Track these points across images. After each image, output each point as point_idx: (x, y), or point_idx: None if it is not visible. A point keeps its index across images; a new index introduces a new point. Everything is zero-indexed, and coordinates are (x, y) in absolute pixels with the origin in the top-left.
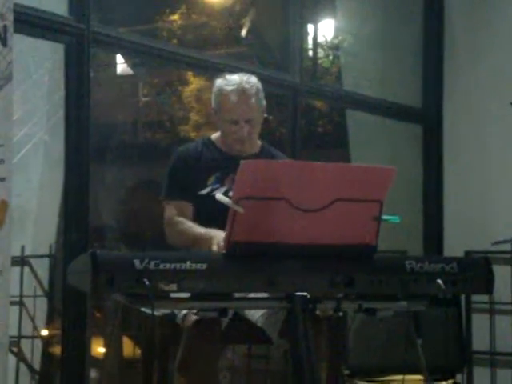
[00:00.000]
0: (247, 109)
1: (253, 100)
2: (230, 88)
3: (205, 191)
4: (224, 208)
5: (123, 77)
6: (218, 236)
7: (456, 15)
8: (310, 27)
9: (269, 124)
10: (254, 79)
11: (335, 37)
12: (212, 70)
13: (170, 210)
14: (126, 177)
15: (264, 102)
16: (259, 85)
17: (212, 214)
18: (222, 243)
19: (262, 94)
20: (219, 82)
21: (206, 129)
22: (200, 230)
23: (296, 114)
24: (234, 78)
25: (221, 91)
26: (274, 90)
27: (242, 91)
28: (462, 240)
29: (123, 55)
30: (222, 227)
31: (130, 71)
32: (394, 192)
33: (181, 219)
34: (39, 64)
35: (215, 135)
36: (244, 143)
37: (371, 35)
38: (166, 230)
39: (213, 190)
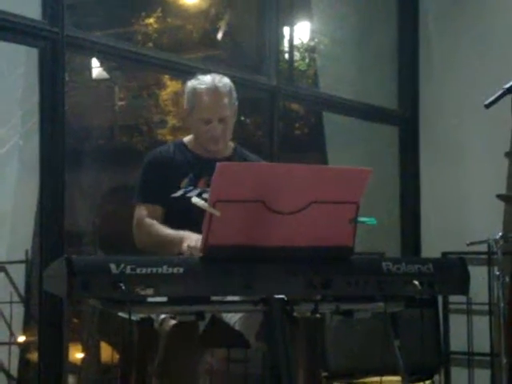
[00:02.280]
0: (220, 107)
1: (225, 99)
2: (203, 87)
3: (178, 194)
4: (198, 210)
5: (99, 81)
6: (189, 237)
7: (431, 17)
8: (286, 30)
9: (246, 127)
10: (226, 79)
11: (311, 39)
12: (188, 74)
13: (140, 212)
14: (102, 181)
15: (236, 103)
16: (232, 85)
17: (185, 217)
18: (192, 244)
19: (234, 94)
20: (192, 82)
21: (183, 132)
22: (170, 231)
23: (273, 117)
24: (207, 78)
25: (194, 91)
26: (250, 92)
27: (214, 90)
28: (438, 241)
29: (98, 59)
30: (195, 230)
31: (105, 75)
32: (371, 194)
33: (150, 221)
34: (13, 68)
35: (188, 138)
36: (218, 142)
37: (347, 38)
38: (134, 232)
39: (186, 193)
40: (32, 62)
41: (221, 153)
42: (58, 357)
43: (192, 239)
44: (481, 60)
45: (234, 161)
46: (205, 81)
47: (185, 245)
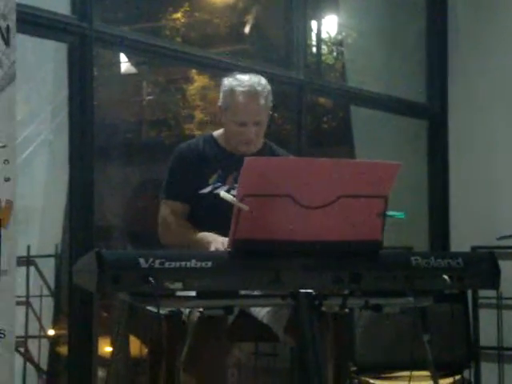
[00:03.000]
0: (257, 111)
1: (262, 102)
2: (241, 89)
3: (206, 190)
4: (225, 207)
5: (127, 75)
6: (215, 240)
7: (460, 9)
8: (314, 23)
9: (274, 121)
10: (264, 81)
11: (339, 33)
12: (216, 68)
13: (165, 210)
14: (131, 175)
15: (271, 105)
16: (269, 86)
17: (212, 214)
18: (219, 246)
19: (271, 97)
20: (230, 81)
21: (211, 127)
22: (196, 234)
23: (301, 111)
24: (246, 80)
25: (232, 91)
26: (278, 87)
27: (253, 93)
28: (468, 235)
29: (126, 54)
30: (222, 226)
31: (133, 70)
32: (399, 188)
33: (176, 220)
34: (42, 64)
35: (218, 132)
36: (250, 145)
37: (375, 31)
38: (159, 230)
39: (214, 189)
40: (61, 57)
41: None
42: (88, 350)
43: (218, 242)
44: (510, 52)
45: (264, 156)
46: (244, 83)
47: (212, 248)
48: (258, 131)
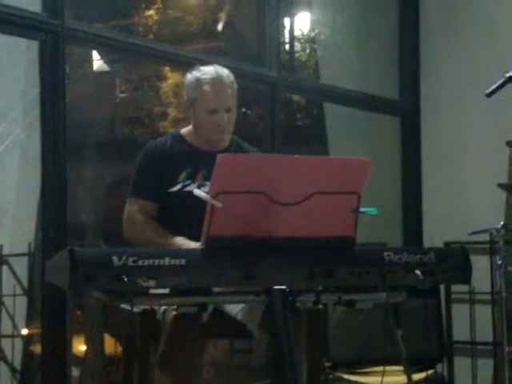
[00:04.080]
0: (226, 97)
1: (229, 90)
2: (207, 78)
3: (176, 188)
4: (196, 205)
5: (99, 73)
6: (187, 245)
7: (432, 5)
8: (287, 20)
9: (247, 118)
10: (227, 70)
11: (312, 30)
12: (189, 65)
13: (133, 207)
14: (104, 173)
15: (236, 93)
16: (232, 76)
17: (181, 212)
18: None
19: (235, 86)
20: (194, 73)
21: (185, 124)
22: (166, 238)
23: (274, 108)
24: (210, 69)
25: (198, 82)
26: (251, 84)
27: (220, 81)
28: (440, 231)
29: (99, 51)
30: (191, 224)
31: (106, 67)
32: (372, 184)
33: (144, 218)
34: (14, 62)
35: (186, 129)
36: (223, 132)
37: (347, 28)
38: (124, 227)
39: (184, 187)
40: (32, 55)
41: (218, 145)
42: (62, 349)
43: (190, 246)
44: (483, 49)
45: (232, 152)
46: (208, 71)
47: None
48: (229, 118)
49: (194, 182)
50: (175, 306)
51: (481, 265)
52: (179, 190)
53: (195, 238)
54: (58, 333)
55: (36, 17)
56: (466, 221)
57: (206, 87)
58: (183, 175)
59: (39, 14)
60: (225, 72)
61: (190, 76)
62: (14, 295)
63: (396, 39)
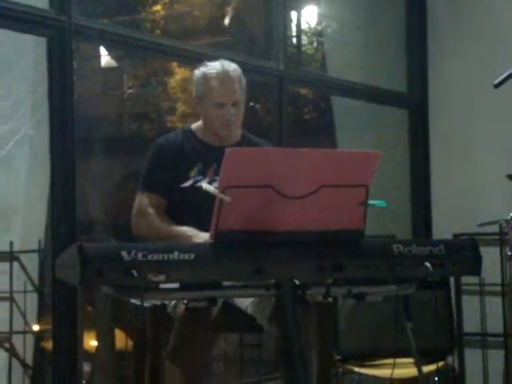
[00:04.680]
0: (232, 91)
1: (236, 84)
2: (213, 72)
3: (187, 184)
4: (206, 201)
5: (107, 69)
6: (197, 235)
7: None
8: (294, 14)
9: (255, 112)
10: (234, 65)
11: (319, 23)
12: (196, 60)
13: (143, 200)
14: (113, 169)
15: (245, 88)
16: (240, 70)
17: (192, 208)
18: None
19: (243, 80)
20: (201, 69)
21: (193, 119)
22: (176, 227)
23: (282, 102)
24: (216, 64)
25: (205, 77)
26: (259, 78)
27: (226, 74)
28: (449, 223)
29: (106, 47)
30: (202, 221)
31: (113, 63)
32: (381, 177)
33: (153, 211)
34: (22, 58)
35: (196, 125)
36: (231, 127)
37: (354, 21)
38: (134, 220)
39: (195, 182)
40: (40, 52)
41: (229, 140)
42: (73, 345)
43: (201, 238)
44: (490, 39)
45: (243, 147)
46: (215, 66)
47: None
48: (236, 113)
49: (205, 177)
50: (185, 301)
51: (490, 256)
52: (191, 185)
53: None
54: (69, 329)
55: (43, 13)
56: (475, 212)
57: (213, 82)
58: (195, 171)
59: (47, 11)
60: (232, 66)
61: (198, 72)
62: (25, 292)
63: (403, 32)
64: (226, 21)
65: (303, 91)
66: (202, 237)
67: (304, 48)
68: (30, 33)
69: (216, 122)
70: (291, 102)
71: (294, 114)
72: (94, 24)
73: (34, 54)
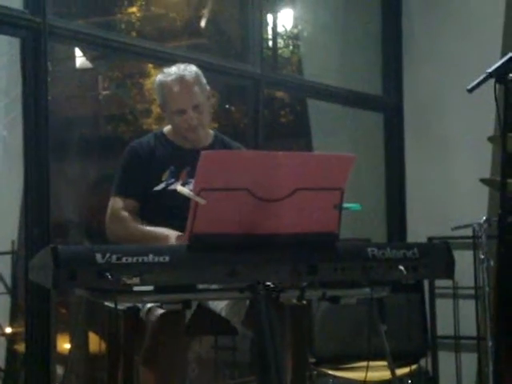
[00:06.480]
0: (191, 95)
1: (195, 87)
2: (169, 79)
3: (160, 187)
4: (179, 204)
5: (82, 70)
6: (173, 235)
7: (414, 2)
8: (270, 17)
9: (231, 115)
10: (192, 67)
11: (295, 26)
12: (172, 62)
13: (115, 204)
14: (88, 171)
15: (207, 88)
16: (199, 71)
17: (165, 211)
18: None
19: (203, 80)
20: (159, 77)
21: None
22: (151, 228)
23: (258, 105)
24: (172, 69)
25: (162, 84)
26: (234, 81)
27: (181, 79)
28: (424, 226)
29: (81, 48)
30: (178, 222)
31: (88, 64)
32: (356, 180)
33: (127, 215)
34: None
35: (168, 128)
36: (196, 130)
37: (330, 24)
38: (108, 224)
39: (168, 185)
40: (14, 52)
41: (201, 142)
42: (46, 347)
43: (178, 237)
44: (464, 44)
45: (215, 149)
46: (170, 72)
47: (170, 243)
48: (199, 116)
49: (177, 180)
50: (160, 304)
51: (464, 259)
52: (163, 188)
53: None
54: (42, 331)
55: (18, 14)
56: (449, 216)
57: (170, 89)
58: (167, 174)
59: (21, 11)
60: (187, 70)
61: (156, 80)
62: None
63: (379, 35)
64: (203, 23)
65: (279, 94)
66: (179, 235)
67: (280, 51)
68: (4, 33)
69: (180, 128)
70: (267, 105)
71: (269, 116)
72: (69, 25)
73: (8, 55)
